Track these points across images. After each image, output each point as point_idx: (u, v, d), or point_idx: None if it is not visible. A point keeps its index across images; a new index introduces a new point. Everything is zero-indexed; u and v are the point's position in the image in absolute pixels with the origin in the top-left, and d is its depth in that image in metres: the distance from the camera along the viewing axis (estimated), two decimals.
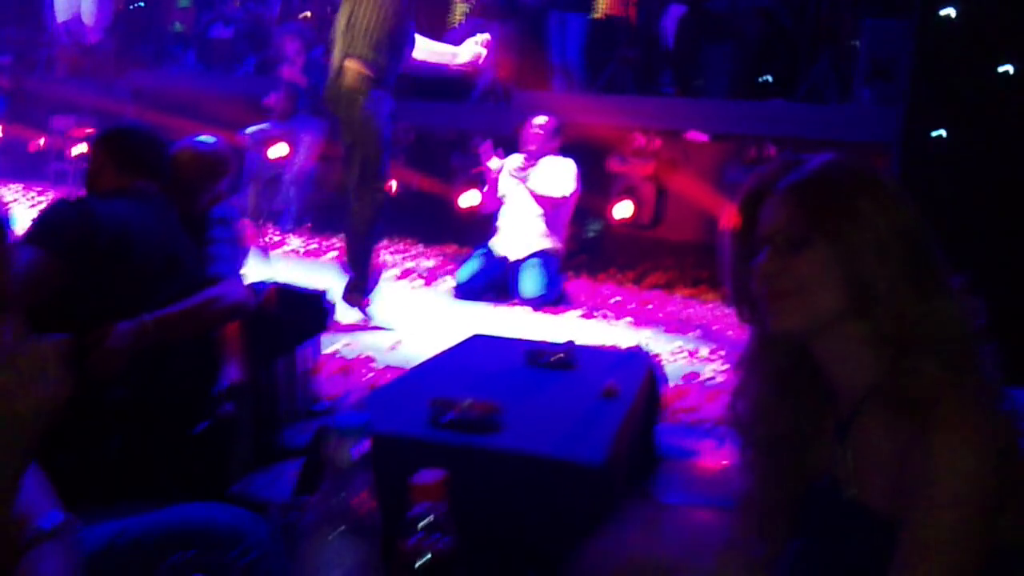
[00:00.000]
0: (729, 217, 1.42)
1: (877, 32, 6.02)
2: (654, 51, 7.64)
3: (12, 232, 1.44)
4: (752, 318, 1.40)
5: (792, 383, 1.41)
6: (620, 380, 2.86)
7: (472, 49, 5.35)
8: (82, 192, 2.95)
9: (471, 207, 7.17)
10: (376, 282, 5.53)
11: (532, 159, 6.33)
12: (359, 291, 5.35)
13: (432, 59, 5.38)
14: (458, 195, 8.02)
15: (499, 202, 6.44)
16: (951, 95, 4.38)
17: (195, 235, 3.21)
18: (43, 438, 1.26)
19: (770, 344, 1.41)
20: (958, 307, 1.28)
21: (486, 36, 5.38)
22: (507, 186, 6.40)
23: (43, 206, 2.72)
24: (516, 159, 6.41)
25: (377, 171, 5.20)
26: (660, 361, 4.79)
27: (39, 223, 2.66)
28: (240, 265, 3.36)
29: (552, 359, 3.08)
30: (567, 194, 6.27)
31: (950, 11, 4.25)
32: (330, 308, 3.82)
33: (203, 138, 3.35)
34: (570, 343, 3.37)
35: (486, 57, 8.44)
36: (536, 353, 3.12)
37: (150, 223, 2.79)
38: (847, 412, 1.34)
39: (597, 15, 8.48)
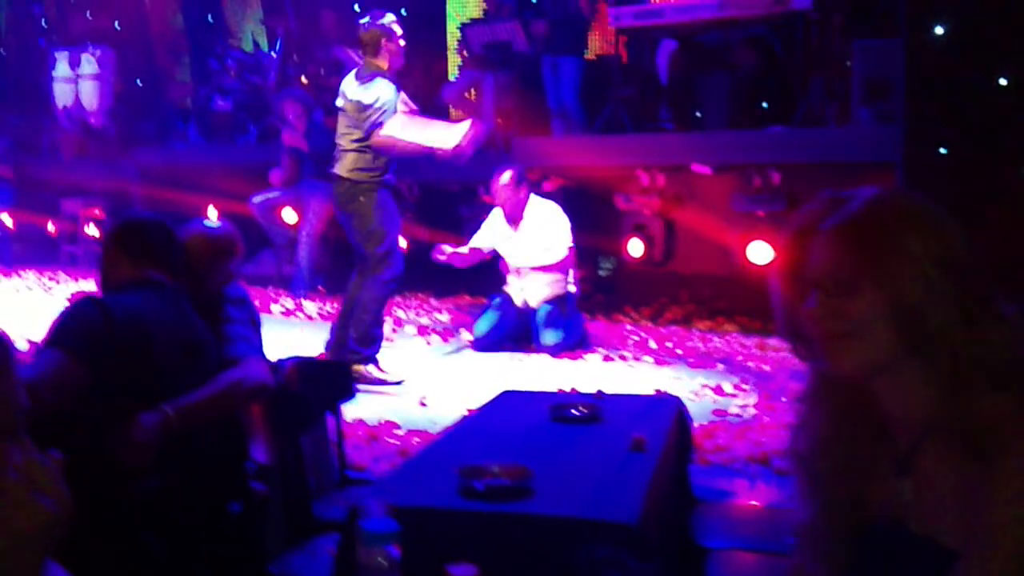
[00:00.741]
0: (776, 257, 1.43)
1: (868, 53, 6.04)
2: (649, 88, 7.68)
3: (16, 359, 1.46)
4: (809, 356, 1.40)
5: (851, 418, 1.41)
6: (648, 430, 2.84)
7: (457, 136, 5.41)
8: (96, 282, 2.99)
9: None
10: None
11: (512, 219, 6.37)
12: (362, 360, 5.41)
13: (417, 145, 5.44)
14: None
15: (474, 258, 6.45)
16: (948, 112, 4.39)
17: (210, 317, 3.23)
18: (64, 546, 1.26)
19: (828, 381, 1.41)
20: (1012, 334, 1.28)
21: (466, 128, 5.45)
22: (504, 243, 6.41)
23: (63, 306, 2.75)
24: (497, 216, 6.42)
25: (386, 263, 5.40)
26: (685, 401, 4.80)
27: (59, 326, 2.70)
28: (258, 343, 3.37)
29: (579, 413, 3.07)
30: (561, 258, 6.31)
31: (939, 29, 4.27)
32: (353, 381, 3.83)
33: (209, 220, 3.39)
34: (596, 394, 3.36)
35: (484, 106, 8.59)
36: (562, 407, 3.11)
37: (166, 314, 2.82)
38: (906, 446, 1.34)
39: (589, 56, 8.56)
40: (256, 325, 3.44)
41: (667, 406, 3.26)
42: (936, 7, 4.53)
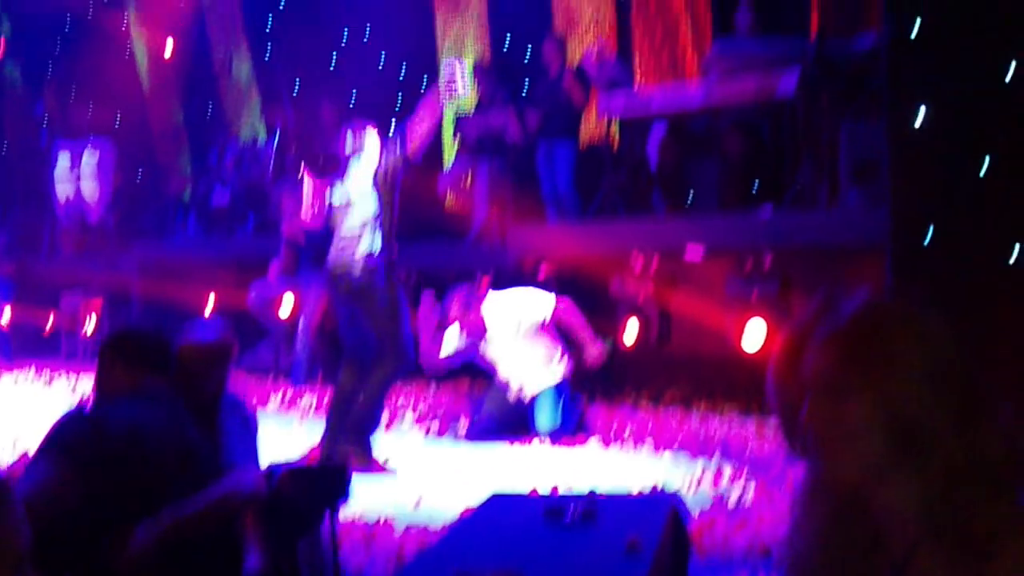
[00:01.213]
0: (773, 360, 1.45)
1: (855, 135, 6.14)
2: (641, 173, 7.79)
3: (16, 499, 1.47)
4: (806, 456, 1.41)
5: (846, 522, 1.41)
6: (643, 531, 2.83)
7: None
8: (93, 394, 3.01)
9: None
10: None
11: (475, 334, 6.41)
12: (364, 456, 5.39)
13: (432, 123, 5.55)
14: None
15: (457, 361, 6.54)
16: (934, 195, 4.45)
17: (206, 423, 3.24)
18: None
19: (824, 484, 1.42)
20: (1005, 438, 1.29)
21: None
22: (492, 328, 6.44)
23: (58, 411, 2.77)
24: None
25: (395, 352, 5.39)
26: (685, 490, 4.77)
27: (52, 437, 2.71)
28: (253, 450, 3.37)
29: (573, 516, 3.05)
30: (536, 342, 6.33)
31: (922, 117, 4.35)
32: (348, 483, 3.81)
33: (205, 325, 3.41)
34: (590, 495, 3.34)
35: (479, 195, 8.71)
36: (556, 511, 3.10)
37: (161, 423, 2.83)
38: (901, 552, 1.33)
39: (581, 143, 8.70)
40: (251, 431, 3.44)
41: (663, 505, 3.24)
42: (918, 91, 4.61)
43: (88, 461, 2.61)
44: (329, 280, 5.63)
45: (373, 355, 5.47)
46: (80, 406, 2.87)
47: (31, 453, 3.91)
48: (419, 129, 5.46)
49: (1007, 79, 4.27)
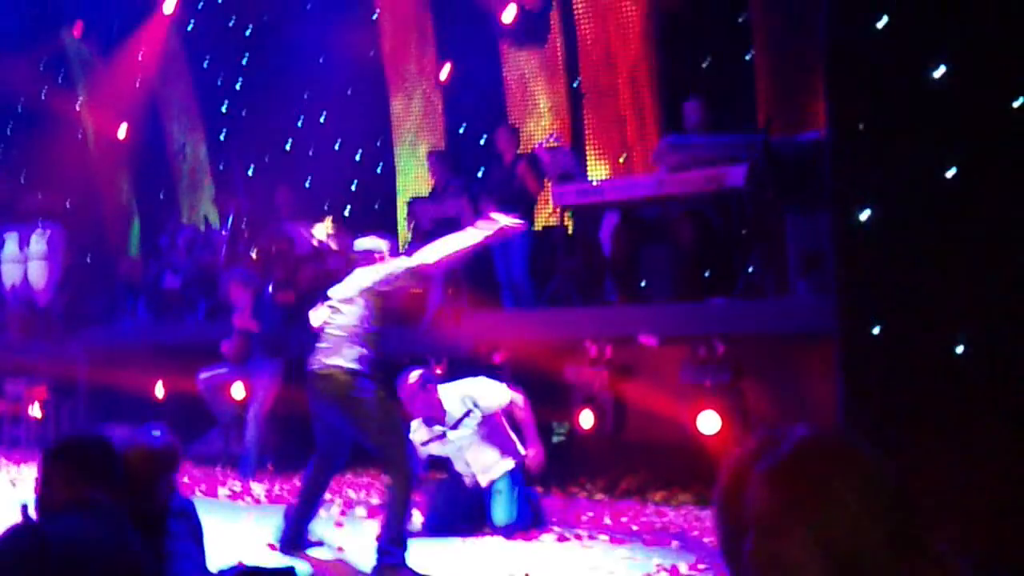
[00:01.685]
0: (716, 492, 1.45)
1: (800, 227, 6.29)
2: (594, 259, 7.87)
3: None
4: None
5: None
6: None
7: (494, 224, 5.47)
8: (36, 506, 2.93)
9: None
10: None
11: (431, 421, 6.31)
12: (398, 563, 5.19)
13: (460, 250, 5.53)
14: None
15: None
16: (880, 287, 4.53)
17: (153, 532, 3.16)
18: None
19: None
20: (940, 567, 1.30)
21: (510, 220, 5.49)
22: (439, 448, 6.37)
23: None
24: (417, 427, 6.33)
25: (405, 457, 5.29)
26: None
27: None
28: (201, 559, 3.29)
29: None
30: (496, 411, 6.28)
31: (866, 213, 4.45)
32: None
33: (150, 433, 3.35)
34: None
35: (434, 280, 8.71)
36: None
37: (105, 537, 2.77)
38: None
39: (536, 228, 8.78)
40: (199, 538, 3.37)
41: None
42: (861, 187, 4.72)
43: None
44: (312, 381, 5.43)
45: (344, 459, 5.45)
46: (23, 522, 2.79)
47: None
48: (443, 254, 5.44)
49: (947, 175, 4.40)
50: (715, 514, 1.46)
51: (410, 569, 5.17)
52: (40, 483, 2.92)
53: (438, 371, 7.62)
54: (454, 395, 6.32)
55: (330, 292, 5.64)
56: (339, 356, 5.30)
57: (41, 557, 2.57)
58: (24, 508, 3.60)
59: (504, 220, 5.53)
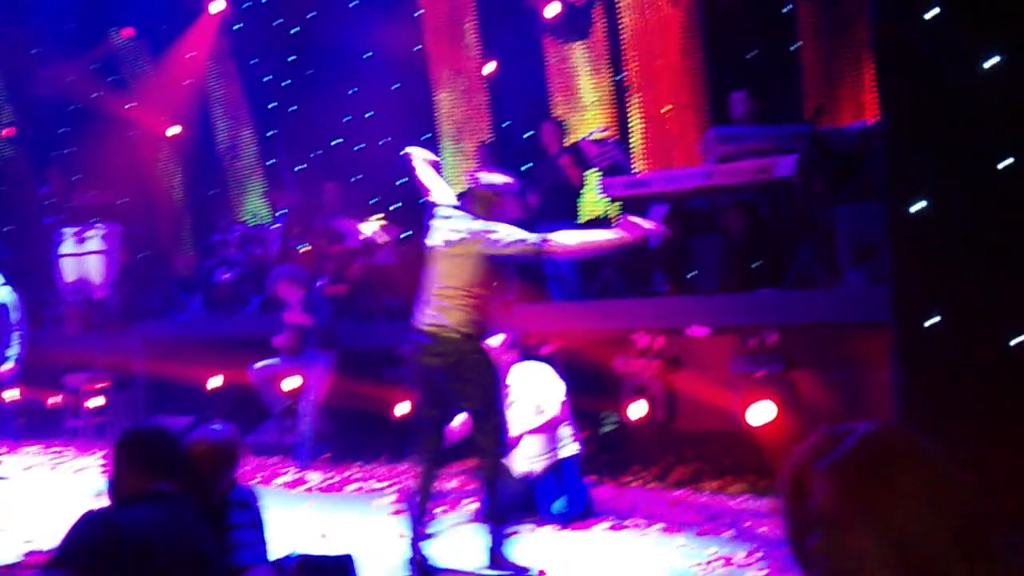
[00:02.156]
0: (780, 491, 1.46)
1: (853, 217, 6.25)
2: (642, 251, 7.86)
3: None
4: None
5: None
6: None
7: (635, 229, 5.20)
8: (107, 495, 3.03)
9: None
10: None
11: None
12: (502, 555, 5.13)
13: (595, 246, 5.42)
14: None
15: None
16: (935, 279, 4.51)
17: (216, 522, 3.26)
18: None
19: None
20: (1009, 568, 1.31)
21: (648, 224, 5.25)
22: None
23: (68, 516, 2.78)
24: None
25: (500, 427, 5.17)
26: (699, 574, 4.74)
27: (66, 543, 2.73)
28: (263, 548, 3.38)
29: None
30: (552, 416, 6.30)
31: (919, 204, 4.43)
32: (355, 572, 3.82)
33: (212, 427, 3.44)
34: None
35: None
36: None
37: (173, 526, 2.86)
38: None
39: (582, 221, 8.81)
40: (261, 528, 3.46)
41: None
42: (914, 177, 4.71)
43: (106, 569, 2.63)
44: (417, 344, 5.19)
45: (479, 441, 5.19)
46: (95, 510, 2.89)
47: (41, 549, 3.91)
48: (574, 246, 5.28)
49: (1000, 165, 4.37)
50: (780, 509, 1.48)
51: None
52: (110, 475, 3.03)
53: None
54: (527, 372, 6.38)
55: (439, 237, 5.25)
56: (457, 318, 5.07)
57: (115, 543, 2.66)
58: (97, 495, 3.72)
59: (644, 224, 5.26)
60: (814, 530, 1.37)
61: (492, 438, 5.15)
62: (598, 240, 5.40)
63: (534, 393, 6.34)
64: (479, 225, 5.14)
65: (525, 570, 5.12)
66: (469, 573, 5.22)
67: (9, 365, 8.56)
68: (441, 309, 5.12)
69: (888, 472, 1.34)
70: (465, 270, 5.11)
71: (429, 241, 5.38)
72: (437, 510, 5.35)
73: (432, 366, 5.14)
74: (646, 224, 5.23)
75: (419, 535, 5.24)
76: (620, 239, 5.23)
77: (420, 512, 5.25)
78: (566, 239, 5.22)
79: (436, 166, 5.72)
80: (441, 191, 5.51)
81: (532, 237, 5.13)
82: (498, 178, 5.47)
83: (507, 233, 5.09)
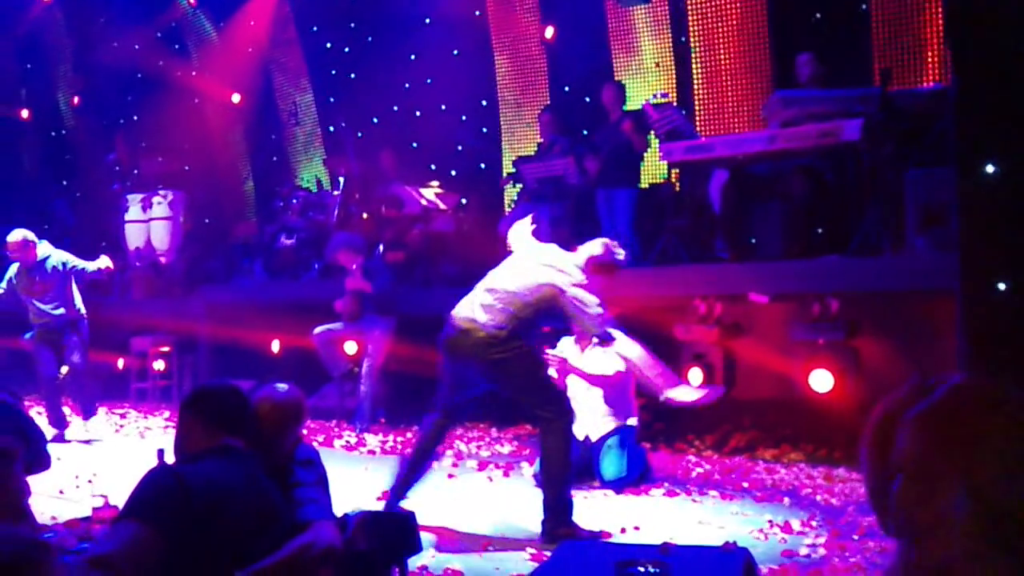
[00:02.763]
0: (865, 438, 1.45)
1: (922, 182, 6.11)
2: (703, 217, 7.79)
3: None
4: (895, 535, 1.40)
5: None
6: None
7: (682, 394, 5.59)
8: (172, 454, 3.09)
9: None
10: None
11: (582, 339, 6.42)
12: (564, 525, 5.07)
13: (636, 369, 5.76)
14: None
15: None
16: (1005, 246, 4.40)
17: (281, 480, 3.31)
18: None
19: (914, 566, 1.41)
20: None
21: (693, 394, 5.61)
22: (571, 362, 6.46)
23: (138, 476, 2.83)
24: (568, 342, 6.49)
25: (543, 400, 5.12)
26: (755, 540, 4.72)
27: (136, 496, 2.79)
28: (327, 504, 3.43)
29: (645, 569, 3.05)
30: (620, 368, 6.29)
31: (991, 167, 4.31)
32: (417, 530, 3.85)
33: (277, 386, 3.48)
34: (662, 547, 3.34)
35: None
36: (627, 564, 3.09)
37: (240, 481, 2.90)
38: None
39: (642, 186, 8.74)
40: (325, 485, 3.51)
41: (735, 560, 3.24)
42: (985, 141, 4.58)
43: (171, 518, 2.68)
44: (453, 336, 5.16)
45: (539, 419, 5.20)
46: (163, 464, 2.95)
47: (110, 504, 4.02)
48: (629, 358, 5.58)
49: None
50: (864, 457, 1.45)
51: (578, 528, 5.08)
52: (178, 431, 3.08)
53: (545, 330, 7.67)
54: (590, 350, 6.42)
55: (500, 283, 5.17)
56: (487, 316, 5.04)
57: (183, 496, 2.71)
58: (161, 452, 3.80)
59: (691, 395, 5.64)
60: (896, 477, 1.35)
61: (550, 411, 5.12)
62: (648, 373, 5.60)
63: (598, 365, 6.34)
64: (562, 280, 5.06)
65: (585, 532, 5.14)
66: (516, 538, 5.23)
67: (98, 265, 8.55)
68: (484, 307, 5.08)
69: (975, 422, 1.31)
70: (526, 292, 5.06)
71: (515, 246, 5.38)
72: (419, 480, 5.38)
73: (462, 357, 5.16)
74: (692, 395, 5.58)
75: (396, 494, 5.30)
76: (661, 388, 5.55)
77: (404, 476, 5.30)
78: (627, 350, 5.50)
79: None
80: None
81: (596, 309, 5.05)
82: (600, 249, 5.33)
83: (582, 300, 5.03)
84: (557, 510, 5.07)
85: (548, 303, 5.06)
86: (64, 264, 8.44)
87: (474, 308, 5.12)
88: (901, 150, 6.43)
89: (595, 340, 5.73)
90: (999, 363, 4.44)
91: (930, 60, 7.78)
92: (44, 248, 8.42)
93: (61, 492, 6.06)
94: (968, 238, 4.54)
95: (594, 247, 5.33)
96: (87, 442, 8.40)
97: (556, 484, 5.10)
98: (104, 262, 8.56)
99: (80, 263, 8.53)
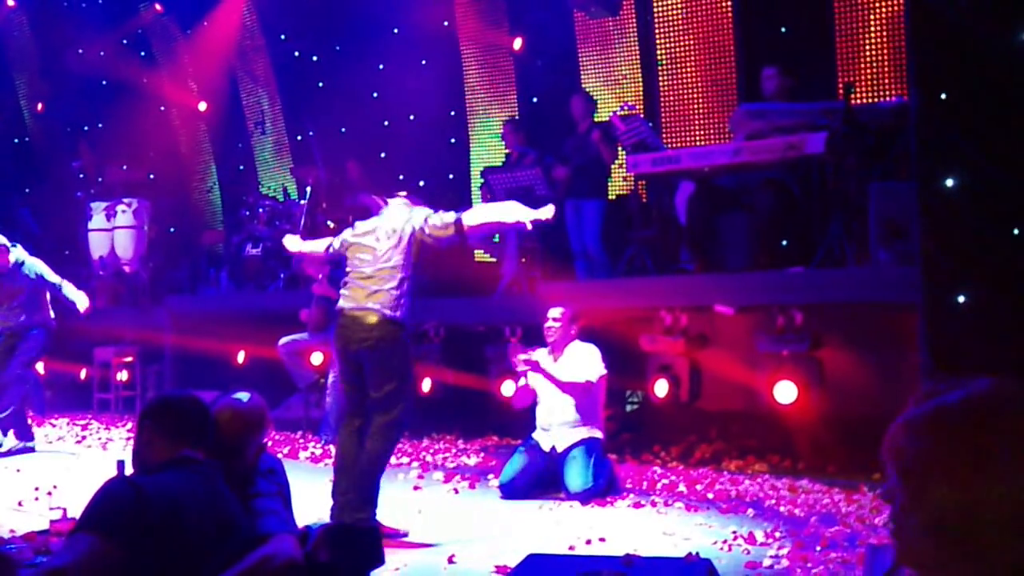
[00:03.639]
0: (884, 439, 1.45)
1: (884, 195, 6.17)
2: (669, 229, 7.82)
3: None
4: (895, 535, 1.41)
5: None
6: None
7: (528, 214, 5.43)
8: (131, 465, 3.05)
9: (508, 398, 7.29)
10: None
11: (556, 351, 6.50)
12: (365, 513, 5.14)
13: (488, 222, 5.52)
14: (498, 386, 8.12)
15: (531, 396, 6.54)
16: (965, 259, 4.45)
17: (242, 490, 3.27)
18: None
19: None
20: None
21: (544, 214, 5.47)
22: (537, 379, 6.49)
23: (96, 488, 2.79)
24: (542, 353, 6.52)
25: (400, 409, 5.17)
26: (718, 551, 4.73)
27: (92, 507, 2.75)
28: (289, 516, 3.40)
29: None
30: (592, 379, 6.34)
31: (952, 180, 4.37)
32: (381, 544, 3.82)
33: (239, 395, 3.45)
34: (625, 559, 3.34)
35: (509, 250, 8.75)
36: (592, 574, 3.10)
37: (199, 492, 2.87)
38: None
39: (610, 198, 8.76)
40: (286, 497, 3.47)
41: (697, 571, 3.24)
42: (947, 155, 4.64)
43: (128, 529, 2.65)
44: (342, 329, 5.25)
45: (379, 409, 5.18)
46: (121, 476, 2.91)
47: (68, 516, 3.96)
48: (486, 222, 5.44)
49: None
50: (882, 457, 1.45)
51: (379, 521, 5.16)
52: (137, 441, 3.04)
53: (513, 340, 7.68)
54: (580, 349, 6.48)
55: (360, 227, 5.43)
56: (381, 299, 5.16)
57: (140, 507, 2.67)
58: (120, 464, 3.75)
59: (543, 214, 5.49)
60: (891, 473, 1.35)
61: (389, 419, 5.15)
62: (504, 215, 5.52)
63: (579, 369, 6.37)
64: (406, 215, 5.35)
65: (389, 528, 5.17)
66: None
67: (75, 298, 8.54)
68: (366, 291, 5.19)
69: (993, 426, 1.30)
70: (387, 263, 5.24)
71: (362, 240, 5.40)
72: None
73: (354, 349, 5.19)
74: (544, 213, 5.49)
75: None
76: (520, 218, 5.45)
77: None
78: (477, 215, 5.42)
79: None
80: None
81: (447, 216, 5.32)
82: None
83: (431, 218, 5.32)
84: (371, 500, 5.14)
85: (415, 237, 5.28)
86: (39, 275, 8.36)
87: (360, 295, 5.25)
88: (864, 163, 6.50)
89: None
90: (960, 375, 4.49)
91: (892, 75, 7.88)
92: (17, 253, 8.32)
93: (20, 504, 5.96)
94: (929, 251, 4.59)
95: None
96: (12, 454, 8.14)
97: (375, 477, 5.18)
98: (83, 303, 8.53)
99: (57, 280, 8.46)
